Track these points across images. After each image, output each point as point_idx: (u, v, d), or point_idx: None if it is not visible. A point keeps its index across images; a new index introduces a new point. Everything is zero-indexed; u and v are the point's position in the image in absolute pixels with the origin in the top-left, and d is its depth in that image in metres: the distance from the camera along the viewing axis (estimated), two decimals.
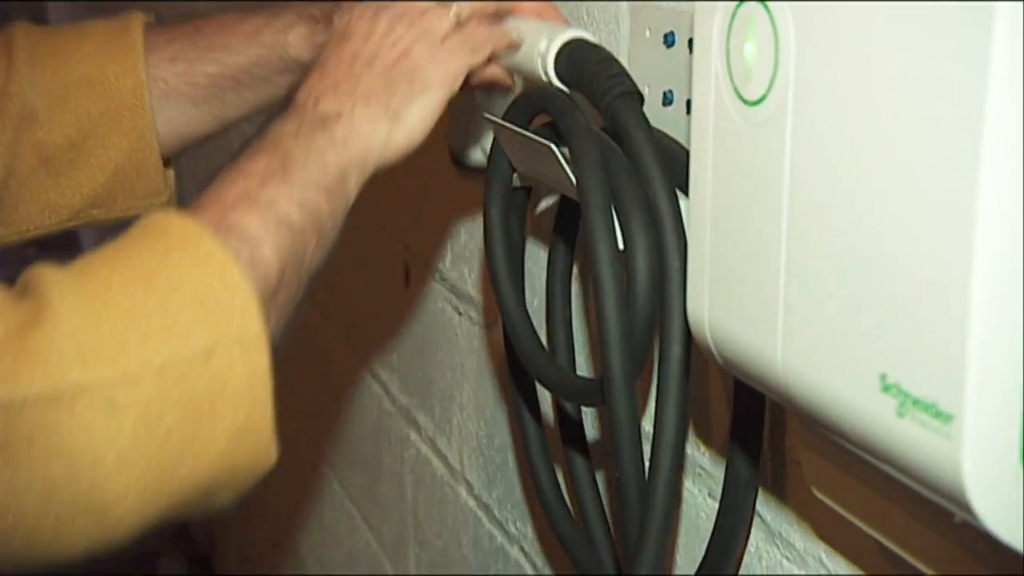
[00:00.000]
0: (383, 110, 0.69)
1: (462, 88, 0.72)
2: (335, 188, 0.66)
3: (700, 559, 0.70)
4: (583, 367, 0.88)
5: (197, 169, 0.66)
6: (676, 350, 0.63)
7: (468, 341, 1.10)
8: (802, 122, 0.48)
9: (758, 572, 0.70)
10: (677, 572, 0.79)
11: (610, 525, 0.80)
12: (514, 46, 0.74)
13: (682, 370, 0.63)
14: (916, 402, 0.42)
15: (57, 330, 0.53)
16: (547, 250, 0.81)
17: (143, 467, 0.54)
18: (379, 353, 1.37)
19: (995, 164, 0.39)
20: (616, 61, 0.69)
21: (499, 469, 1.07)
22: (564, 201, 0.79)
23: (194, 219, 0.59)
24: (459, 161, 1.00)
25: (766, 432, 0.67)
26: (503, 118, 0.74)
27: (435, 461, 1.23)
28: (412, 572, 1.33)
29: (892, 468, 0.46)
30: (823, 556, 0.65)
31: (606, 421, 0.67)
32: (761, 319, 0.52)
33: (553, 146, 0.67)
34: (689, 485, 0.77)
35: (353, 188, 0.68)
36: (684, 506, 0.78)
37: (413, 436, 1.28)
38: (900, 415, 0.43)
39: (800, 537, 0.66)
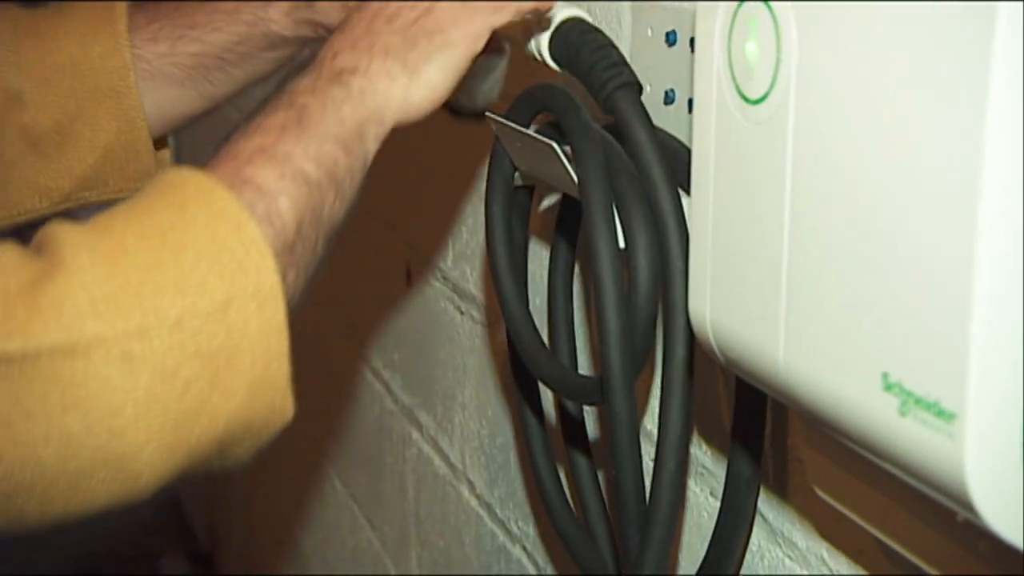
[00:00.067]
0: (401, 65, 0.68)
1: (484, 50, 0.71)
2: (352, 142, 0.65)
3: (702, 558, 0.70)
4: (585, 365, 0.88)
5: (197, 151, 0.66)
6: (680, 351, 0.63)
7: (470, 340, 1.10)
8: (804, 121, 0.48)
9: (760, 571, 0.70)
10: (679, 571, 0.79)
11: (612, 524, 0.80)
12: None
13: (686, 372, 0.63)
14: (918, 401, 0.42)
15: (71, 283, 0.53)
16: (549, 249, 0.81)
17: (161, 420, 0.54)
18: (381, 352, 1.37)
19: (997, 163, 0.39)
20: (615, 48, 0.69)
21: (501, 468, 1.07)
22: (566, 200, 0.79)
23: (209, 174, 0.59)
24: (451, 107, 0.98)
25: (768, 431, 0.67)
26: (505, 116, 0.74)
27: (437, 460, 1.23)
28: (414, 571, 1.33)
29: (894, 467, 0.46)
30: (825, 555, 0.65)
31: (606, 420, 0.67)
32: (763, 318, 0.52)
33: (555, 144, 0.67)
34: (691, 484, 0.77)
35: (371, 142, 0.67)
36: (686, 505, 0.78)
37: (415, 435, 1.28)
38: (902, 414, 0.43)
39: (802, 536, 0.66)
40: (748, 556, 0.71)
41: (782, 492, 0.68)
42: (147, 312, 0.54)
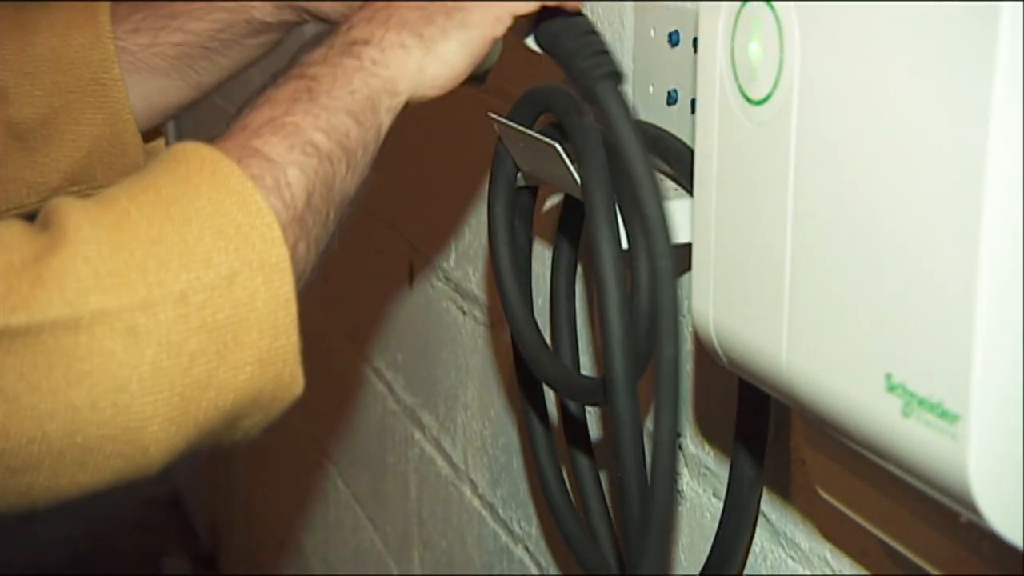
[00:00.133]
0: (417, 38, 0.66)
1: (506, 35, 0.70)
2: (364, 112, 0.64)
3: (705, 559, 0.70)
4: (588, 366, 0.88)
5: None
6: (669, 350, 0.62)
7: (472, 340, 1.10)
8: (807, 121, 0.48)
9: (763, 572, 0.70)
10: (681, 572, 0.79)
11: (614, 524, 0.80)
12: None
13: (675, 370, 0.62)
14: (921, 402, 0.42)
15: (74, 257, 0.53)
16: (551, 249, 0.81)
17: (167, 393, 0.54)
18: (383, 352, 1.37)
19: (1000, 164, 0.39)
20: (600, 36, 0.67)
21: (504, 468, 1.07)
22: (568, 200, 0.79)
23: (216, 146, 0.59)
24: None
25: (771, 432, 0.67)
26: (507, 117, 0.74)
27: (439, 460, 1.23)
28: (416, 571, 1.33)
29: (897, 468, 0.46)
30: (828, 556, 0.65)
31: (609, 420, 0.66)
32: (766, 319, 0.52)
33: (557, 145, 0.67)
34: (694, 485, 0.77)
35: (384, 114, 0.65)
36: (689, 505, 0.78)
37: (417, 435, 1.28)
38: (905, 415, 0.43)
39: (805, 537, 0.66)
40: (751, 557, 0.71)
41: (785, 493, 0.68)
42: (151, 286, 0.54)
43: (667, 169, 0.70)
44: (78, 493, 0.56)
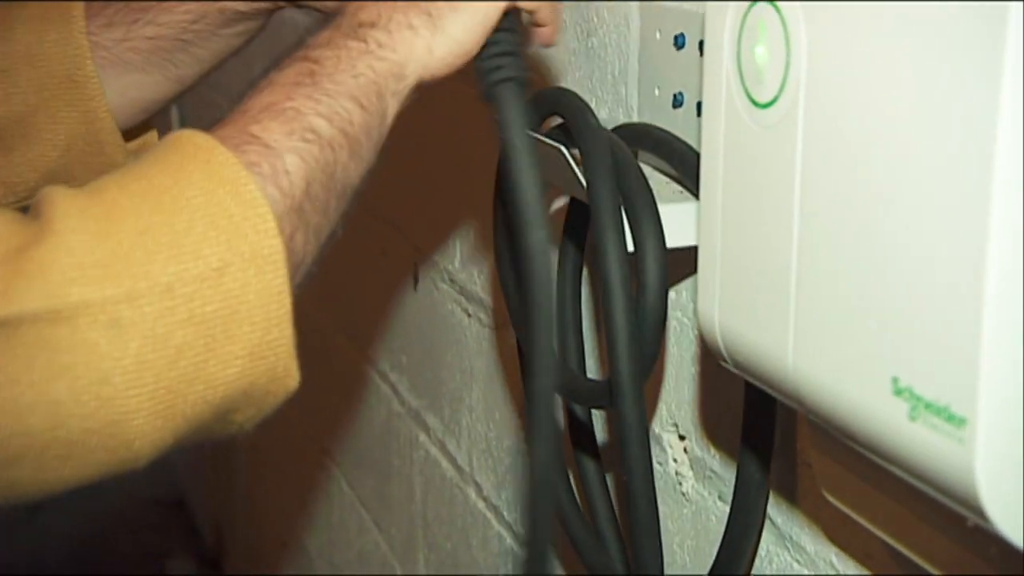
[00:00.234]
0: (425, 16, 0.64)
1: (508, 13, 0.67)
2: (369, 97, 0.62)
3: (711, 562, 0.70)
4: (593, 369, 0.88)
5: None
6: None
7: (477, 343, 1.10)
8: (813, 125, 0.48)
9: (769, 575, 0.70)
10: (687, 575, 0.79)
11: (620, 527, 0.80)
12: None
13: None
14: (928, 406, 0.42)
15: (58, 248, 0.52)
16: (556, 252, 0.81)
17: (152, 387, 0.53)
18: (388, 354, 1.37)
19: (1008, 168, 0.39)
20: (516, 35, 0.66)
21: (509, 471, 1.07)
22: (574, 203, 0.79)
23: (212, 133, 0.57)
24: None
25: (777, 435, 0.67)
26: None
27: (444, 463, 1.23)
28: (421, 573, 1.33)
29: (904, 472, 0.45)
30: (834, 559, 0.65)
31: (615, 423, 0.66)
32: (772, 322, 0.52)
33: (563, 148, 0.67)
34: (700, 488, 0.77)
35: (391, 99, 0.63)
36: (694, 509, 0.78)
37: (422, 438, 1.28)
38: (912, 419, 0.43)
39: (811, 540, 0.66)
40: (757, 560, 0.71)
41: (791, 496, 0.68)
42: (136, 277, 0.52)
43: (672, 172, 0.70)
44: (64, 487, 0.55)
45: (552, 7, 0.69)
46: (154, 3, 0.82)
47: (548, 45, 0.71)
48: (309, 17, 0.78)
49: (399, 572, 1.41)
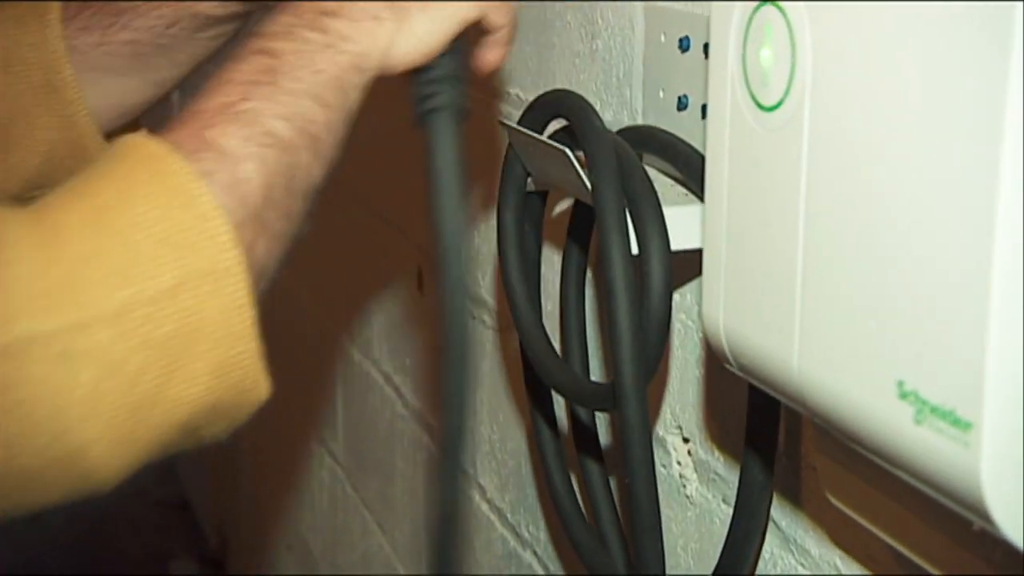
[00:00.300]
0: (391, 11, 0.61)
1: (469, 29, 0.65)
2: (330, 94, 0.60)
3: (714, 565, 0.70)
4: (598, 371, 0.88)
5: None
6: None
7: (481, 345, 1.10)
8: (819, 128, 0.48)
9: None
10: None
11: (623, 530, 0.80)
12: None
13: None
14: (934, 410, 0.42)
15: (8, 280, 0.50)
16: (561, 254, 0.81)
17: (111, 414, 0.51)
18: (393, 356, 1.37)
19: (1014, 170, 0.39)
20: (460, 60, 0.64)
21: (512, 473, 1.07)
22: (578, 205, 0.79)
23: (164, 139, 0.55)
24: None
25: (781, 437, 0.67)
26: (518, 122, 0.74)
27: None
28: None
29: (909, 475, 0.45)
30: (838, 562, 0.64)
31: (618, 426, 0.66)
32: (777, 325, 0.51)
33: (567, 150, 0.67)
34: (703, 491, 0.77)
35: (353, 92, 0.61)
36: (698, 511, 0.78)
37: (426, 440, 1.28)
38: (917, 423, 0.43)
39: (815, 543, 0.66)
40: (761, 563, 0.71)
41: (795, 499, 0.68)
42: (85, 305, 0.51)
43: (677, 174, 0.70)
44: (29, 512, 0.54)
45: (514, 28, 0.67)
46: (128, 7, 0.80)
47: (491, 71, 0.69)
48: None
49: (402, 574, 1.41)
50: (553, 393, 0.83)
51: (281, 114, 0.58)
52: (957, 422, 0.41)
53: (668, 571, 0.79)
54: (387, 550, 1.46)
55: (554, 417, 0.84)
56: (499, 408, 1.08)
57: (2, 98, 0.79)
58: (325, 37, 0.60)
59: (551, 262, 0.92)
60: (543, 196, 0.79)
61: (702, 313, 0.59)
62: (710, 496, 0.76)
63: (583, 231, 0.79)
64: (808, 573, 0.67)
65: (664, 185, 0.70)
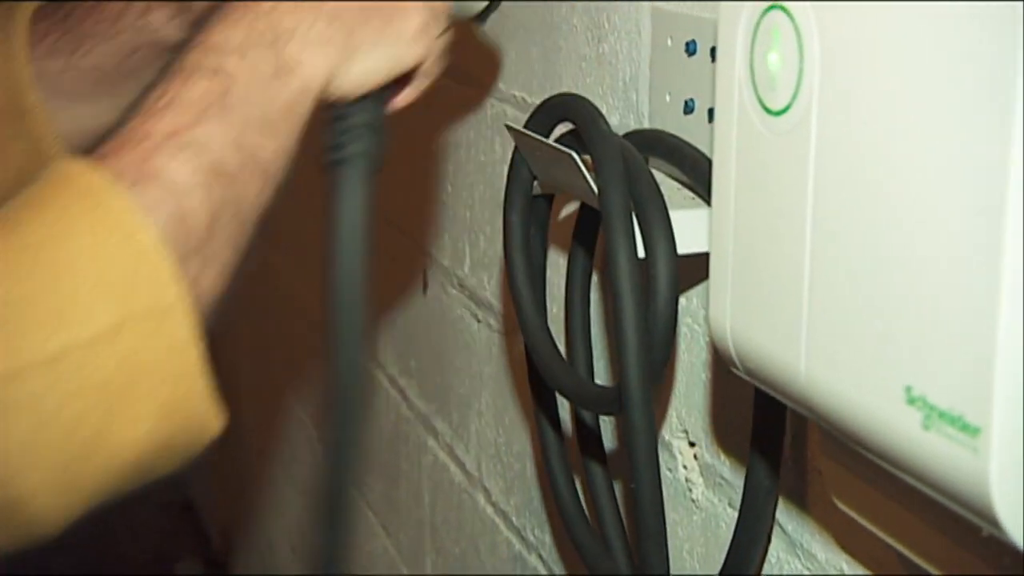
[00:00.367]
0: (345, 38, 0.60)
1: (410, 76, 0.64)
2: (281, 121, 0.58)
3: (719, 569, 0.70)
4: (603, 374, 0.88)
5: None
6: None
7: (487, 348, 1.10)
8: (826, 132, 0.48)
9: None
10: None
11: (627, 534, 0.80)
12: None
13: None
14: (942, 415, 0.42)
15: None
16: (566, 257, 0.81)
17: (50, 463, 0.50)
18: (397, 359, 1.37)
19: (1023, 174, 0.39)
20: (382, 106, 0.63)
21: (517, 476, 1.07)
22: (584, 208, 0.79)
23: (106, 167, 0.52)
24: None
25: (787, 441, 0.67)
26: (524, 126, 0.74)
27: (453, 468, 1.22)
28: None
29: (917, 481, 0.45)
30: (844, 567, 0.64)
31: (623, 430, 0.66)
32: (784, 329, 0.51)
33: (574, 154, 0.67)
34: (709, 494, 0.77)
35: (301, 119, 0.59)
36: (704, 515, 0.78)
37: (431, 442, 1.28)
38: (925, 428, 0.43)
39: (821, 548, 0.66)
40: (766, 567, 0.71)
41: (801, 503, 0.68)
42: (18, 352, 0.48)
43: (683, 178, 0.70)
44: None
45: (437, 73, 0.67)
46: (90, 33, 0.78)
47: (399, 108, 0.68)
48: None
49: (406, 574, 1.41)
50: (558, 396, 0.83)
51: (231, 143, 0.56)
52: (966, 427, 0.41)
53: (673, 575, 0.79)
54: (391, 552, 1.46)
55: (559, 420, 0.84)
56: (504, 411, 1.08)
57: None
58: (279, 60, 0.58)
59: (557, 265, 0.92)
60: (549, 199, 0.79)
61: (709, 317, 0.59)
62: (716, 500, 0.76)
63: (589, 234, 0.79)
64: None
65: (670, 189, 0.70)
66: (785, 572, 0.69)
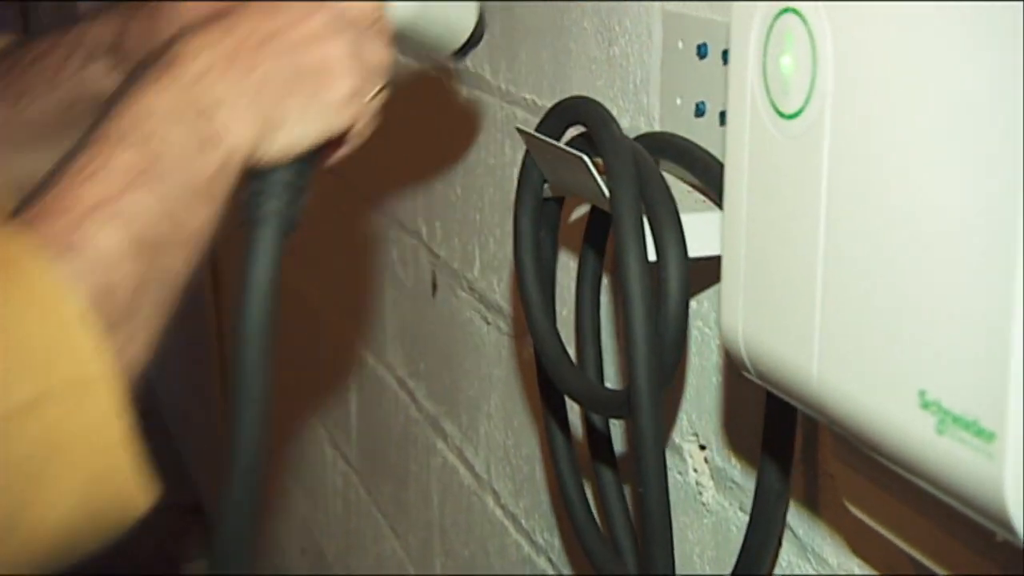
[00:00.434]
0: (274, 108, 0.60)
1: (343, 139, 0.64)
2: (206, 192, 0.58)
3: (730, 572, 0.69)
4: (612, 377, 0.87)
5: None
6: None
7: (496, 351, 1.10)
8: (839, 135, 0.48)
9: None
10: None
11: (637, 537, 0.79)
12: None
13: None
14: (956, 419, 0.42)
15: None
16: (577, 260, 0.81)
17: None
18: (407, 361, 1.37)
19: None
20: (306, 167, 0.63)
21: (526, 479, 1.07)
22: (594, 211, 0.78)
23: (31, 234, 0.52)
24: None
25: (798, 445, 0.67)
26: (535, 129, 0.74)
27: (462, 470, 1.22)
28: None
29: (930, 486, 0.45)
30: (856, 571, 0.64)
31: (632, 433, 0.66)
32: (797, 333, 0.51)
33: (585, 157, 0.67)
34: (720, 498, 0.77)
35: (229, 184, 0.59)
36: (715, 519, 0.78)
37: (440, 445, 1.28)
38: (940, 432, 0.43)
39: (833, 552, 0.66)
40: (778, 570, 0.71)
41: (813, 507, 0.68)
42: None
43: (695, 181, 0.70)
44: None
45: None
46: (27, 88, 0.78)
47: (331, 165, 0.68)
48: None
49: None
50: (568, 400, 0.83)
51: (158, 213, 0.56)
52: (980, 432, 0.41)
53: None
54: (400, 554, 1.46)
55: (568, 424, 0.84)
56: (513, 414, 1.08)
57: None
58: (206, 130, 0.58)
59: (567, 268, 0.92)
60: (559, 202, 0.79)
61: (720, 320, 0.58)
62: (727, 503, 0.76)
63: (599, 237, 0.79)
64: None
65: (681, 192, 0.70)
66: (796, 575, 0.69)
